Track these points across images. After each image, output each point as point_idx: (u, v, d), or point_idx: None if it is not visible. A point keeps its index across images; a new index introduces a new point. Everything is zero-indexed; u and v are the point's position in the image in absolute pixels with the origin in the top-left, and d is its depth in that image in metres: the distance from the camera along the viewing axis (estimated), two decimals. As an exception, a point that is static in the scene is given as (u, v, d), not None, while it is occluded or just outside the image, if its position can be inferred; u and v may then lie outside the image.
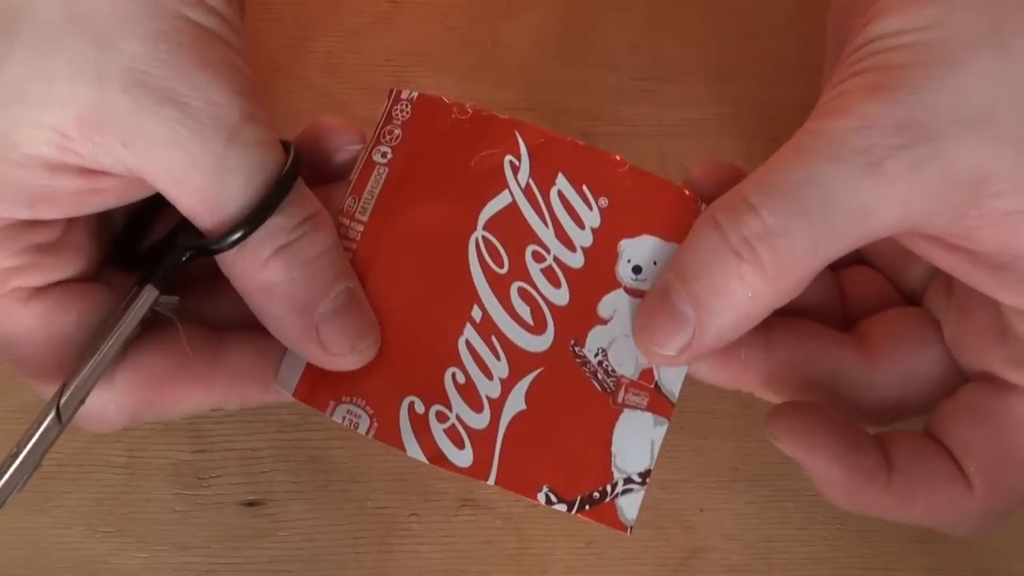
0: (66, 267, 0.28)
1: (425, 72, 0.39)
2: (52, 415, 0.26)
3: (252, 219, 0.26)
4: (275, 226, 0.26)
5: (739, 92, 0.39)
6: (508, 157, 0.30)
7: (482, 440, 0.28)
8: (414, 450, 0.28)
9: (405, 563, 0.34)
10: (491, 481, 0.28)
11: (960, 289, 0.29)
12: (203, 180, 0.26)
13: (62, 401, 0.26)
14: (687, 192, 0.29)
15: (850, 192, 0.25)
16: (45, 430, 0.26)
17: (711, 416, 0.36)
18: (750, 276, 0.26)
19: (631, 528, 0.28)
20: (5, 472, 0.25)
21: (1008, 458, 0.28)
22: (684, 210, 0.29)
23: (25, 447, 0.26)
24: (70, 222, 0.28)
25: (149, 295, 0.27)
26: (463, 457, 0.28)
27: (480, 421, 0.28)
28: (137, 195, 0.27)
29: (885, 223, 0.25)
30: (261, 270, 0.27)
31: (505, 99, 0.39)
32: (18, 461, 0.26)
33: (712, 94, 0.39)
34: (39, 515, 0.33)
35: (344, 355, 0.28)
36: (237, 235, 0.26)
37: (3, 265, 0.26)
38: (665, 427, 0.28)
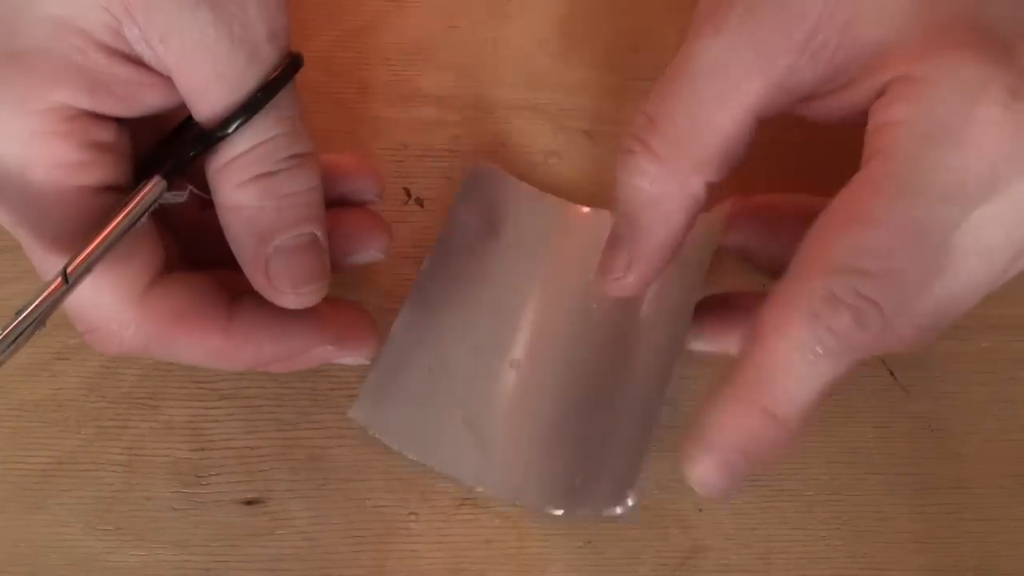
0: (117, 173, 0.28)
1: (426, 71, 0.39)
2: (59, 278, 0.26)
3: (249, 106, 0.27)
4: (263, 152, 0.28)
5: (739, 92, 0.39)
6: None
7: None
8: None
9: (403, 562, 0.34)
10: None
11: None
12: (221, 91, 0.27)
13: (70, 267, 0.27)
14: None
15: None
16: (51, 291, 0.26)
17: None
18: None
19: None
20: (8, 325, 0.26)
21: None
22: None
23: (30, 305, 0.26)
24: (120, 128, 0.28)
25: (158, 186, 0.28)
26: None
27: None
28: (175, 102, 0.28)
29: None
30: (237, 189, 0.28)
31: (505, 98, 0.39)
32: (22, 316, 0.26)
33: (712, 94, 0.39)
34: (38, 513, 0.33)
35: (284, 293, 0.29)
36: (238, 121, 0.27)
37: (70, 159, 0.27)
38: None
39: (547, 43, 0.40)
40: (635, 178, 0.29)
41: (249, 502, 0.34)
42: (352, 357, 0.33)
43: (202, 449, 0.34)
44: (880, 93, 0.27)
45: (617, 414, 0.34)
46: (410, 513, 0.34)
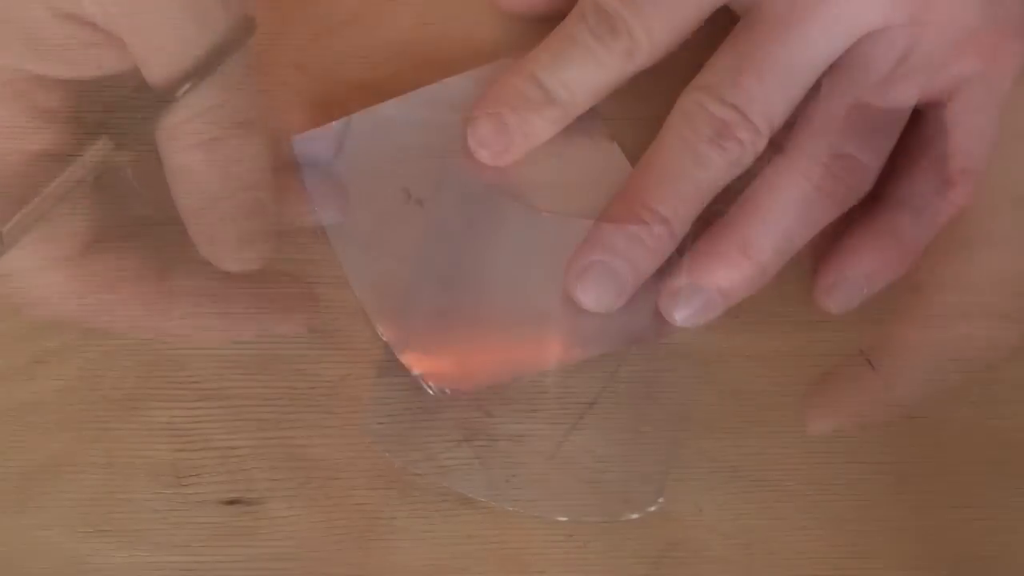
0: (62, 139, 0.28)
1: (427, 71, 0.39)
2: None
3: (198, 70, 0.27)
4: (212, 117, 0.28)
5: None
6: None
7: None
8: None
9: (386, 558, 0.34)
10: None
11: None
12: (170, 55, 0.27)
13: (6, 228, 0.27)
14: None
15: None
16: None
17: (711, 416, 0.35)
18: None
19: None
20: None
21: None
22: None
23: None
24: (68, 94, 0.28)
25: (104, 147, 0.28)
26: None
27: None
28: (127, 64, 0.28)
29: None
30: (184, 152, 0.28)
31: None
32: None
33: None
34: (18, 516, 0.33)
35: (226, 257, 0.30)
36: (187, 85, 0.27)
37: (15, 123, 0.27)
38: None
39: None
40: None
41: (231, 502, 0.34)
42: (286, 327, 0.33)
43: (182, 450, 0.34)
44: (951, 90, 0.30)
45: (633, 422, 0.35)
46: (393, 510, 0.34)
